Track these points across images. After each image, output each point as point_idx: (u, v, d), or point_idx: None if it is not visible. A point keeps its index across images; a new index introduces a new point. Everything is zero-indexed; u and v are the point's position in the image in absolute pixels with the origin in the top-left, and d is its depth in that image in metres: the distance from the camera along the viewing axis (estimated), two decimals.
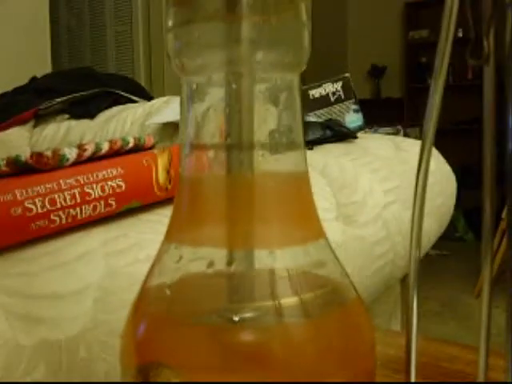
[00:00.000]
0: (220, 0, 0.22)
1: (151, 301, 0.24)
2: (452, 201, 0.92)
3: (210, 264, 0.23)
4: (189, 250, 0.23)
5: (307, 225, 0.24)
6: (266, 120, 0.23)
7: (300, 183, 0.24)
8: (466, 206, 3.70)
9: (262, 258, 0.23)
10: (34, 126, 1.23)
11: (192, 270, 0.23)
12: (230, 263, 0.22)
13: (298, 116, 0.24)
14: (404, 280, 0.82)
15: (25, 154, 0.45)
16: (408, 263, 0.34)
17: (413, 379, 0.34)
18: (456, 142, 4.27)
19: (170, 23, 0.24)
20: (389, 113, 4.56)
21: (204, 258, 0.23)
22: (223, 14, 0.22)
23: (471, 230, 3.98)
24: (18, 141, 1.18)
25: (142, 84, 2.87)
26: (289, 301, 0.22)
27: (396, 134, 2.67)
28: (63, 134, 1.15)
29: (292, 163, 0.24)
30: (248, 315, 0.22)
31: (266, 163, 0.23)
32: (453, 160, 0.97)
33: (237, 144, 0.22)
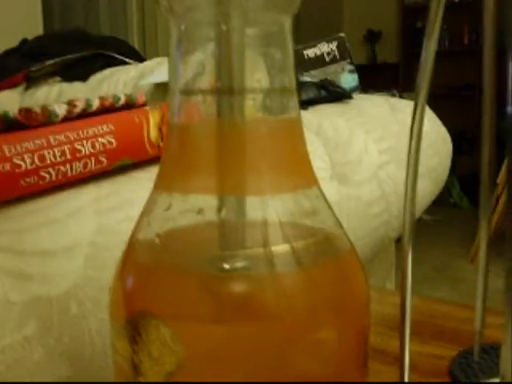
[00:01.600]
0: None
1: (140, 251, 0.24)
2: (448, 162, 0.92)
3: (200, 212, 0.22)
4: (178, 198, 0.23)
5: (299, 172, 0.24)
6: (257, 64, 0.23)
7: (292, 129, 0.24)
8: (461, 172, 3.71)
9: (253, 206, 0.22)
10: (26, 89, 1.22)
11: (182, 218, 0.23)
12: (220, 211, 0.22)
13: (289, 61, 0.23)
14: (398, 241, 0.82)
15: (13, 111, 0.44)
16: (403, 224, 0.33)
17: (407, 336, 0.34)
18: (451, 107, 4.25)
19: None
20: (384, 78, 4.54)
21: (194, 205, 0.22)
22: None
23: (466, 195, 3.99)
24: (10, 104, 1.16)
25: (136, 46, 2.83)
26: (280, 249, 0.22)
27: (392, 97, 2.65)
28: (55, 97, 1.14)
29: (284, 109, 0.23)
30: (239, 264, 0.22)
31: (257, 108, 0.22)
32: (447, 126, 0.96)
33: (227, 88, 0.22)
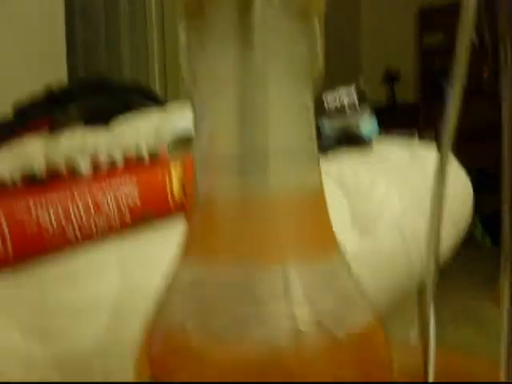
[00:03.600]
0: (232, 23, 0.22)
1: (166, 317, 0.24)
2: (468, 206, 0.91)
3: (225, 279, 0.22)
4: (203, 265, 0.23)
5: (323, 240, 0.24)
6: (280, 133, 0.23)
7: (315, 197, 0.24)
8: (483, 211, 3.67)
9: (277, 276, 0.22)
10: (49, 135, 1.24)
11: (206, 284, 0.23)
12: (244, 278, 0.22)
13: (311, 131, 0.24)
14: (421, 283, 0.81)
15: (39, 168, 0.45)
16: (425, 272, 0.33)
17: None
18: (471, 145, 4.23)
19: (183, 44, 0.24)
20: (404, 118, 4.54)
21: (218, 273, 0.23)
22: (235, 35, 0.22)
23: (488, 234, 3.95)
24: (33, 149, 1.18)
25: (157, 90, 2.87)
26: (304, 318, 0.22)
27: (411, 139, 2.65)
28: (78, 143, 1.15)
29: (307, 177, 0.23)
30: (262, 332, 0.22)
31: (280, 177, 0.23)
32: (468, 164, 0.96)
33: (250, 158, 0.22)
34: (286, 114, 0.23)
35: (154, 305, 0.25)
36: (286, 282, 0.22)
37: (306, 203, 0.24)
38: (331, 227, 0.24)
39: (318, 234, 0.24)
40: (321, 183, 0.24)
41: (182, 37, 0.24)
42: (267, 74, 0.22)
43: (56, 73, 2.30)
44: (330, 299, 0.24)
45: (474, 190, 0.97)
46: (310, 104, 0.24)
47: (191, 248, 0.24)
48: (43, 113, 1.28)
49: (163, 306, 0.25)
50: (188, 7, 0.23)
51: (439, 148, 0.38)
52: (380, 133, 0.97)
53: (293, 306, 0.22)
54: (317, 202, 0.24)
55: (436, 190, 0.38)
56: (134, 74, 3.42)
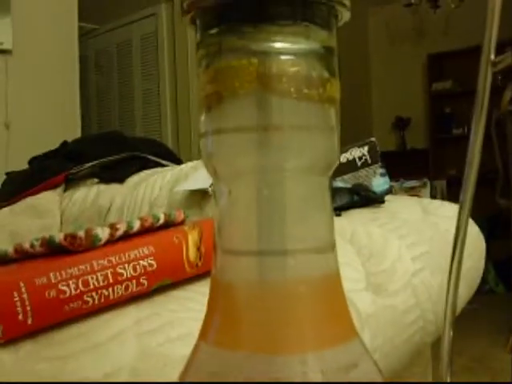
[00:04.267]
0: (251, 111, 0.23)
1: None
2: (481, 262, 0.91)
3: (244, 369, 0.23)
4: (222, 354, 0.24)
5: (339, 326, 0.24)
6: (296, 223, 0.24)
7: (331, 285, 0.24)
8: (496, 257, 3.64)
9: (295, 363, 0.23)
10: (65, 190, 1.25)
11: (226, 373, 0.24)
12: (263, 368, 0.23)
13: (328, 217, 0.24)
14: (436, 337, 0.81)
15: (58, 235, 0.46)
16: (438, 328, 0.34)
17: None
18: (483, 191, 4.23)
19: (203, 130, 0.24)
20: (414, 164, 4.55)
21: (237, 362, 0.23)
22: (253, 125, 0.23)
23: (501, 281, 3.91)
24: (49, 205, 1.20)
25: (169, 144, 2.91)
26: None
27: (423, 186, 2.65)
28: (93, 199, 1.17)
29: (323, 266, 0.24)
30: None
31: (297, 268, 0.23)
32: (480, 210, 0.96)
33: (269, 250, 0.23)
34: (304, 204, 0.24)
35: None
36: (304, 373, 0.23)
37: (323, 292, 0.24)
38: (347, 311, 0.25)
39: (335, 320, 0.24)
40: (337, 270, 0.25)
41: (201, 122, 0.25)
42: (285, 165, 0.23)
43: (71, 129, 2.33)
44: None
45: (487, 237, 0.97)
46: (327, 194, 0.25)
47: (210, 335, 0.25)
48: (59, 167, 1.30)
49: None
50: (208, 98, 0.24)
51: (459, 213, 0.39)
52: (392, 190, 0.98)
53: None
54: (333, 290, 0.25)
55: (455, 253, 0.39)
56: (146, 127, 3.47)
